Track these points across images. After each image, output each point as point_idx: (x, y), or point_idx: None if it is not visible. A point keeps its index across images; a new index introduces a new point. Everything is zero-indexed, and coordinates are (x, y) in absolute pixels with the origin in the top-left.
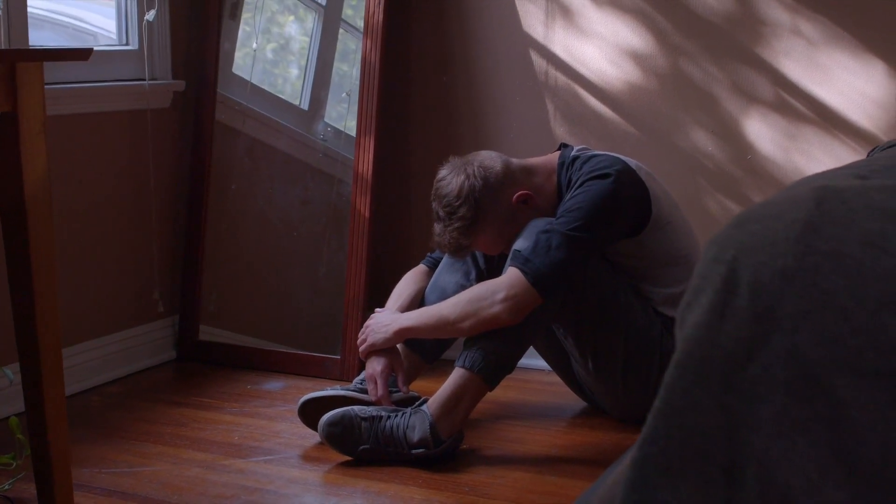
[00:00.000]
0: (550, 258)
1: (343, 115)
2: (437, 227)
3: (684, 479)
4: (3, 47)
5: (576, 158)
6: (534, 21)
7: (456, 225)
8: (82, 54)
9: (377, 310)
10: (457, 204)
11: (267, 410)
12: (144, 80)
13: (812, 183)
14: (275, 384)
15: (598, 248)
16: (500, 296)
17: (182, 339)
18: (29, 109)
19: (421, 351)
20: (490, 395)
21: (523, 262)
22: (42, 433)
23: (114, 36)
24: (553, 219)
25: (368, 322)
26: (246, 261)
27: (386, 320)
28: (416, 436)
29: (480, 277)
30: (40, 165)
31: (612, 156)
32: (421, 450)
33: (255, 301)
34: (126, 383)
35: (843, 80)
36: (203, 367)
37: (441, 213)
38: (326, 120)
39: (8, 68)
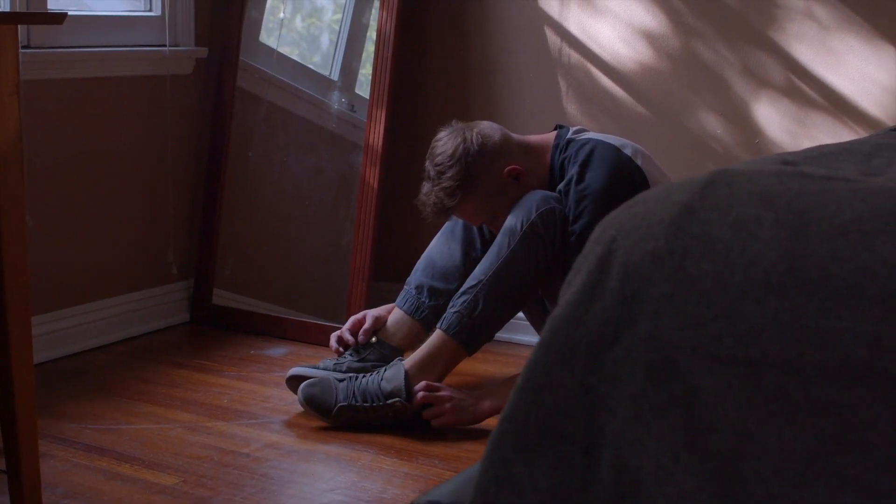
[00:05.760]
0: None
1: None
2: (425, 187)
3: (542, 457)
4: (18, 9)
5: (570, 142)
6: None
7: (444, 185)
8: (57, 18)
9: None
10: (448, 164)
11: (262, 375)
12: (165, 46)
13: (724, 167)
14: (277, 350)
15: None
16: None
17: (196, 302)
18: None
19: (421, 319)
20: (474, 369)
21: None
22: (9, 398)
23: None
24: (551, 193)
25: (443, 394)
26: (260, 227)
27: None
28: (390, 386)
29: (485, 246)
30: (12, 128)
31: (607, 143)
32: (395, 399)
33: (268, 267)
34: (135, 343)
35: (855, 65)
36: (214, 330)
37: (431, 173)
38: (357, 90)
39: None
